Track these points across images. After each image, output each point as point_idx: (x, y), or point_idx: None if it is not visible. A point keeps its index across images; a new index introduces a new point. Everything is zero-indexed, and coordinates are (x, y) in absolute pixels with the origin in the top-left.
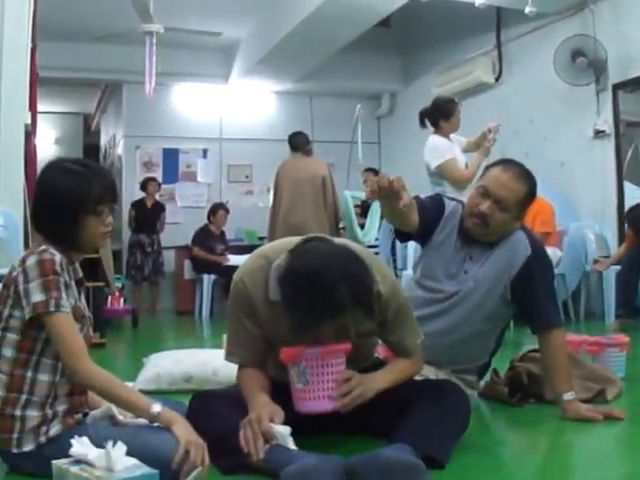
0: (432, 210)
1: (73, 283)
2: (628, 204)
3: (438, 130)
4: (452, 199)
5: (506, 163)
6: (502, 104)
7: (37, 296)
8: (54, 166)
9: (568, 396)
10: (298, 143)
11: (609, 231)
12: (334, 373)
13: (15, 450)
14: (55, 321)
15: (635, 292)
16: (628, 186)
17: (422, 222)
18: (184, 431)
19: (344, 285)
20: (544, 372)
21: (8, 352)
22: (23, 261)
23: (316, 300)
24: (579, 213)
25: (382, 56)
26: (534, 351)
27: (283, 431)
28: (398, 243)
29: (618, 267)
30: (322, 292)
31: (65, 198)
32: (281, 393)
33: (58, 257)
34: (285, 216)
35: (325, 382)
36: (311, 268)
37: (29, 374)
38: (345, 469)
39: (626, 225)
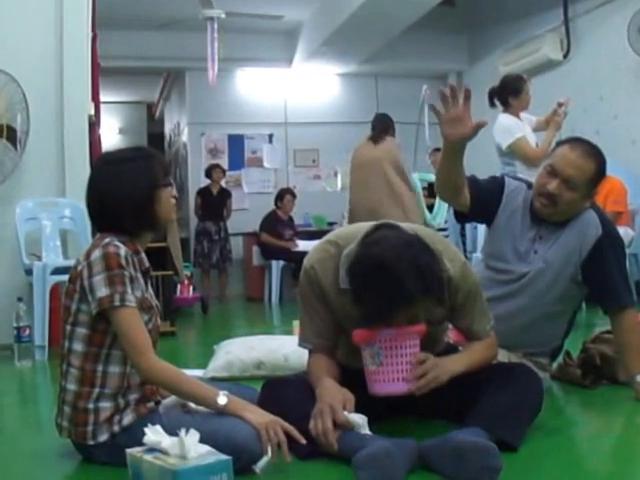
0: (489, 188)
1: (139, 274)
2: None
3: (507, 108)
4: (516, 179)
5: (574, 141)
6: (570, 81)
7: (102, 291)
8: (111, 160)
9: None
10: (375, 124)
11: None
12: (408, 355)
13: (91, 442)
14: (120, 316)
15: None
16: None
17: (476, 200)
18: (255, 415)
19: (413, 276)
20: (617, 354)
21: (78, 346)
22: (88, 255)
23: (385, 292)
24: None
25: (447, 35)
26: (607, 332)
27: (359, 420)
28: (468, 226)
29: None
30: (391, 284)
31: (140, 182)
32: (352, 378)
33: (123, 250)
34: (356, 202)
35: (399, 364)
36: (380, 259)
37: (100, 367)
38: (418, 453)
39: None
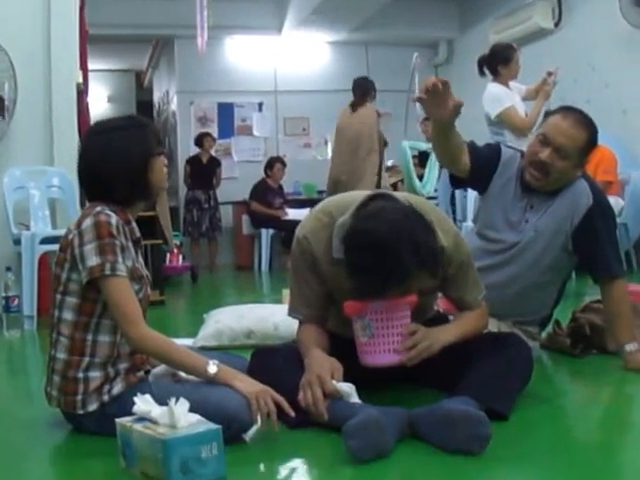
0: (487, 154)
1: (130, 244)
2: None
3: (497, 77)
4: (510, 147)
5: (566, 110)
6: (562, 50)
7: (93, 260)
8: (103, 129)
9: (630, 347)
10: (355, 89)
11: None
12: (400, 326)
13: (80, 411)
14: (110, 285)
15: None
16: None
17: (475, 166)
18: (245, 384)
19: (410, 252)
20: (606, 323)
21: (68, 315)
22: (79, 224)
23: (382, 267)
24: None
25: (438, 3)
26: (596, 302)
27: (347, 389)
28: (458, 194)
29: None
30: (388, 259)
31: (133, 150)
32: (343, 347)
33: (114, 219)
34: (332, 170)
35: (391, 335)
36: (377, 234)
37: (90, 336)
38: (407, 421)
39: None
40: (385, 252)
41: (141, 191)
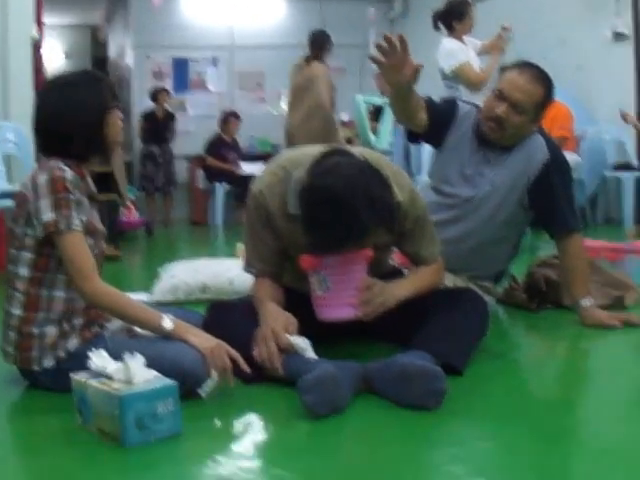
0: (444, 110)
1: (85, 198)
2: None
3: (451, 32)
4: (466, 102)
5: (522, 65)
6: (518, 6)
7: (47, 215)
8: (59, 83)
9: (586, 302)
10: (311, 42)
11: (628, 136)
12: (355, 280)
13: (36, 367)
14: (65, 240)
15: None
16: None
17: (432, 121)
18: (200, 339)
19: (367, 208)
20: (562, 278)
21: (24, 271)
22: (34, 179)
23: (339, 224)
24: (597, 118)
25: None
26: (552, 257)
27: (302, 343)
28: (412, 148)
29: (637, 173)
30: (345, 216)
31: (89, 104)
32: (299, 302)
33: (69, 173)
34: (286, 124)
35: (347, 289)
36: (334, 190)
37: (45, 292)
38: (363, 376)
39: None
40: (341, 208)
41: (97, 145)
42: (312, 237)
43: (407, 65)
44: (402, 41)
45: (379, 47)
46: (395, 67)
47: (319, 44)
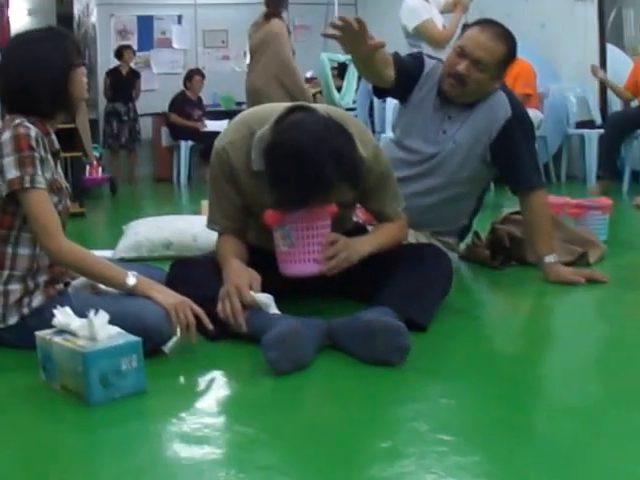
0: (411, 66)
1: (49, 156)
2: (610, 67)
3: None
4: (432, 58)
5: (485, 23)
6: None
7: (12, 172)
8: (24, 40)
9: (550, 259)
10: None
11: (590, 93)
12: (319, 236)
13: (0, 325)
14: (30, 198)
15: (618, 153)
16: (610, 48)
17: (399, 77)
18: (164, 296)
19: (332, 163)
20: (526, 235)
21: None
22: None
23: (303, 178)
24: (560, 75)
25: None
26: (516, 213)
27: (266, 300)
28: (376, 105)
29: (600, 130)
30: (310, 170)
31: (55, 62)
32: (264, 259)
33: (33, 131)
34: (248, 82)
35: (311, 245)
36: (298, 145)
37: (9, 249)
38: (327, 332)
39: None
40: (306, 163)
41: (62, 102)
42: (276, 193)
43: (366, 40)
44: (359, 22)
45: (334, 26)
46: (353, 42)
47: (276, 2)
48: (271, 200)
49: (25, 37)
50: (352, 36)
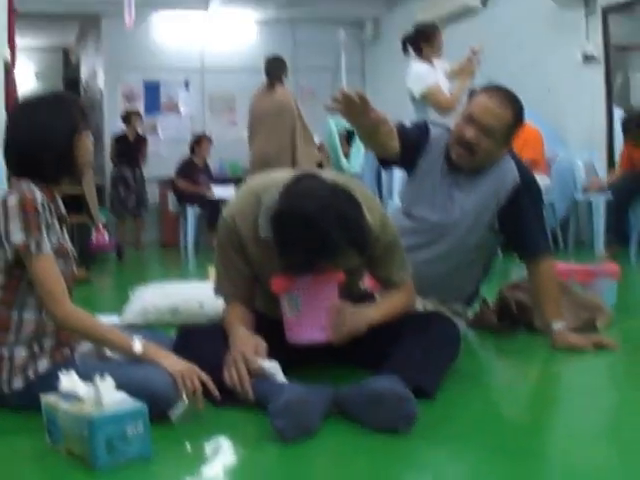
0: (415, 135)
1: (55, 220)
2: (617, 131)
3: (420, 55)
4: (438, 125)
5: (492, 89)
6: (489, 29)
7: (18, 237)
8: (29, 106)
9: (558, 325)
10: (270, 69)
11: (598, 159)
12: (327, 303)
13: (5, 389)
14: (36, 263)
15: (626, 219)
16: (618, 113)
17: (404, 148)
18: (170, 362)
19: (339, 228)
20: (533, 301)
21: None
22: (4, 201)
23: (311, 244)
24: (567, 140)
25: None
26: (523, 280)
27: (272, 367)
28: (383, 172)
29: (608, 195)
30: (317, 236)
31: (61, 128)
32: (270, 327)
33: (39, 195)
34: (256, 150)
35: (318, 312)
36: (306, 211)
37: (15, 313)
38: (334, 400)
39: (623, 138)
40: (312, 228)
41: (67, 167)
42: (284, 258)
43: (369, 113)
44: (361, 97)
45: (336, 99)
46: (356, 115)
47: (278, 69)
48: (278, 267)
49: (31, 102)
50: (355, 109)
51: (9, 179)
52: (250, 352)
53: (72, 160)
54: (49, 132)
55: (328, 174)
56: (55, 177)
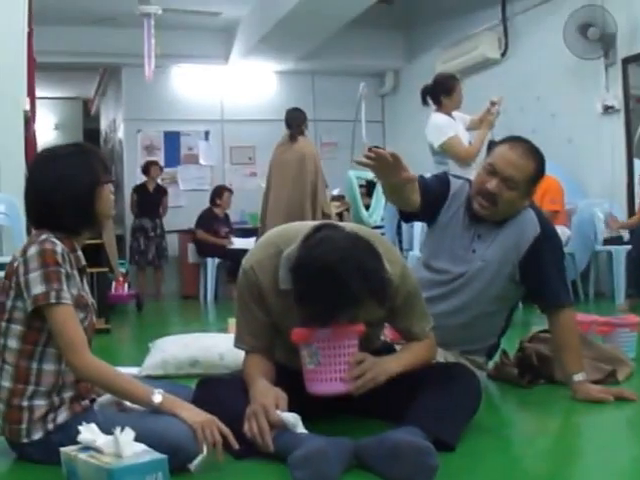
0: (436, 189)
1: (75, 272)
2: (638, 182)
3: (440, 107)
4: (459, 177)
5: (513, 140)
6: (508, 80)
7: (38, 288)
8: (50, 157)
9: (579, 377)
10: (290, 120)
11: (619, 209)
12: (347, 355)
13: (25, 440)
14: (55, 314)
15: None
16: (638, 163)
17: (425, 202)
18: (190, 413)
19: (358, 279)
20: (554, 353)
21: (13, 343)
22: (24, 251)
23: (331, 294)
24: (588, 191)
25: (384, 33)
26: (544, 332)
27: (292, 419)
28: (404, 224)
29: (628, 246)
30: (337, 286)
31: (81, 180)
32: (290, 378)
33: (59, 247)
34: (274, 200)
35: (337, 364)
36: (326, 261)
37: (34, 365)
38: (354, 452)
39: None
40: (332, 279)
41: (87, 219)
42: (304, 309)
43: (401, 172)
44: (394, 157)
45: (367, 156)
46: (386, 172)
47: (298, 121)
48: (298, 318)
49: (51, 152)
50: (385, 167)
51: (29, 230)
52: (271, 404)
53: (92, 212)
54: (69, 183)
55: (347, 225)
56: (75, 229)
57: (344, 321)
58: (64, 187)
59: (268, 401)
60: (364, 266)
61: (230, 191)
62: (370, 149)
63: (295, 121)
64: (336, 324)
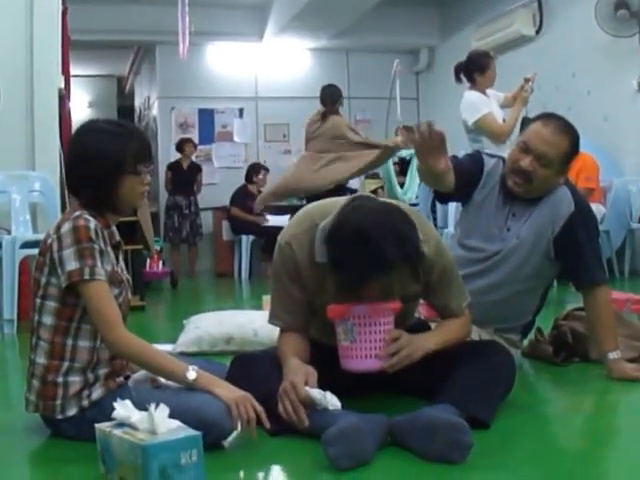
0: (470, 169)
1: (109, 248)
2: None
3: (474, 85)
4: (492, 156)
5: (547, 117)
6: (543, 57)
7: (72, 264)
8: (88, 128)
9: (613, 355)
10: (325, 97)
11: None
12: (382, 332)
13: (59, 416)
14: (90, 290)
15: None
16: None
17: (460, 182)
18: (225, 390)
19: (392, 242)
20: (589, 331)
21: (48, 320)
22: (58, 228)
23: (364, 256)
24: (623, 168)
25: (419, 10)
26: (579, 309)
27: (319, 395)
28: (440, 204)
29: None
30: (370, 248)
31: (104, 160)
32: (325, 355)
33: (93, 223)
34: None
35: (373, 341)
36: (359, 225)
37: (69, 341)
38: (388, 429)
39: None
40: (367, 242)
41: (105, 202)
42: (338, 274)
43: (442, 158)
44: (441, 139)
45: (419, 131)
46: (428, 154)
47: (333, 99)
48: (334, 287)
49: (93, 124)
50: (429, 148)
51: (64, 207)
52: (300, 382)
53: (111, 197)
54: (92, 159)
55: (384, 199)
56: (94, 207)
57: (377, 290)
58: (85, 162)
59: (298, 378)
60: (398, 232)
61: (267, 169)
62: (424, 124)
63: (330, 97)
64: (369, 294)
